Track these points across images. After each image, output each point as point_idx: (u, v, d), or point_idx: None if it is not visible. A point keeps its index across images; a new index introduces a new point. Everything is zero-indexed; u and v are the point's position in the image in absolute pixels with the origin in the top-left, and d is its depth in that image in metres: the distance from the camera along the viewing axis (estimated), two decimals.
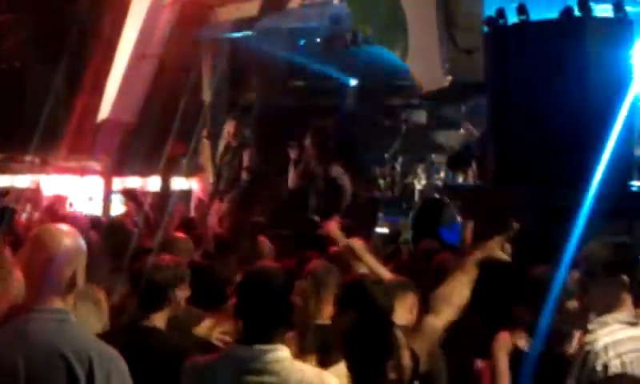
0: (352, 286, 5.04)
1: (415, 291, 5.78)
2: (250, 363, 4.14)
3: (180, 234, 7.52)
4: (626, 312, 4.39)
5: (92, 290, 5.99)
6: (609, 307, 4.39)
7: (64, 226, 3.95)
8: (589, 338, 4.31)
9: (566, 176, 6.80)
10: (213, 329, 5.54)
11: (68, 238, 3.79)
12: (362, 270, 6.45)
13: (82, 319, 4.66)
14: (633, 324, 4.37)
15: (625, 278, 4.38)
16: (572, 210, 6.55)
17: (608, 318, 4.35)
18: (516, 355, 5.18)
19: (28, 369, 3.58)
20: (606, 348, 4.23)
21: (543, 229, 6.55)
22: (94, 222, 9.06)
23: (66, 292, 3.73)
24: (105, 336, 4.35)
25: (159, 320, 5.16)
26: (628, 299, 4.43)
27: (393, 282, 5.91)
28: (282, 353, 4.17)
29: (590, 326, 4.40)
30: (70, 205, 13.38)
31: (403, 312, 5.47)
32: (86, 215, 11.38)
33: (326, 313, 5.34)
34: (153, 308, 5.15)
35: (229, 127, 13.66)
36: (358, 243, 6.75)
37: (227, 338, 5.34)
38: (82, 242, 3.85)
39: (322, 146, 12.65)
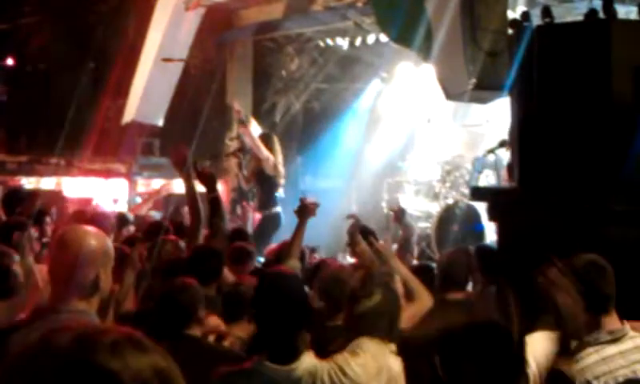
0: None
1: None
2: None
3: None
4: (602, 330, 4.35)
5: None
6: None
7: (90, 227, 3.88)
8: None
9: (591, 179, 6.76)
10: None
11: (93, 238, 3.71)
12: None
13: None
14: (613, 341, 4.34)
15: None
16: (596, 213, 6.53)
17: (584, 340, 4.31)
18: None
19: None
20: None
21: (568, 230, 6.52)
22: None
23: (89, 294, 3.66)
24: None
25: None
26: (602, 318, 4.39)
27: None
28: (308, 364, 4.15)
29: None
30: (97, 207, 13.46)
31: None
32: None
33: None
34: (180, 328, 5.17)
35: (243, 130, 13.59)
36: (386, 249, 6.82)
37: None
38: (109, 245, 3.78)
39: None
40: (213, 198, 7.64)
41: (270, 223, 12.10)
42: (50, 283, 3.74)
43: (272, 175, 12.54)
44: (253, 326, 4.83)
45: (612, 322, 4.40)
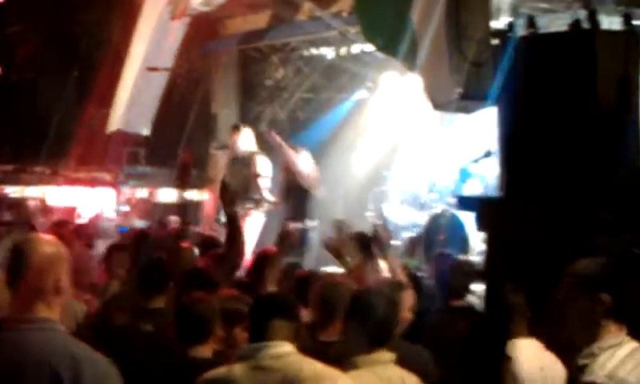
0: (356, 299, 5.01)
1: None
2: (248, 361, 4.12)
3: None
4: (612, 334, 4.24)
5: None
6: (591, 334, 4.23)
7: (44, 235, 4.08)
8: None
9: (576, 188, 6.79)
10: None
11: (47, 245, 3.84)
12: None
13: None
14: (620, 344, 4.27)
15: (606, 297, 4.17)
16: (582, 223, 6.56)
17: (594, 348, 4.17)
18: None
19: (18, 381, 3.61)
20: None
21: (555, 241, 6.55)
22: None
23: (51, 299, 3.75)
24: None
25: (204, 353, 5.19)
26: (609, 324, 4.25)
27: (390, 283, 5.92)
28: (283, 348, 4.13)
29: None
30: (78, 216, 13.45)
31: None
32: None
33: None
34: (196, 341, 5.17)
35: (234, 138, 13.60)
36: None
37: None
38: (63, 249, 3.90)
39: None
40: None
41: (302, 237, 12.25)
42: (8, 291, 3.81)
43: (304, 186, 12.80)
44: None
45: (614, 325, 4.37)
